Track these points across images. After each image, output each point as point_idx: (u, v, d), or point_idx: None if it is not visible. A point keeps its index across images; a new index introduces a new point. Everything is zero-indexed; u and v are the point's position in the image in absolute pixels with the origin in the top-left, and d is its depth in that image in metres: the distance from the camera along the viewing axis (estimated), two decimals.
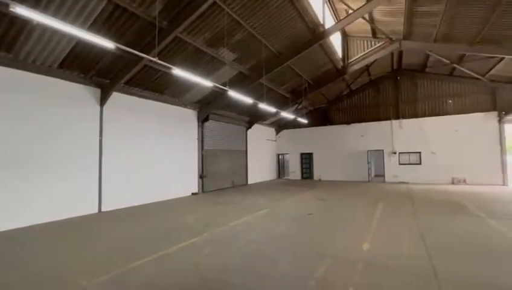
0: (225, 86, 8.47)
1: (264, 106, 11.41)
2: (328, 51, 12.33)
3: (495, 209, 8.01)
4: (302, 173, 20.43)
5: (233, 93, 8.98)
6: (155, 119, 10.70)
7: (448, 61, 13.54)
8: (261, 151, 18.76)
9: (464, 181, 14.73)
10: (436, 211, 8.00)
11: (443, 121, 15.55)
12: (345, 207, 9.05)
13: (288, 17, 9.20)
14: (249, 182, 16.77)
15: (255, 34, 9.12)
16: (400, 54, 14.68)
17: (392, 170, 16.93)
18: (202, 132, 13.10)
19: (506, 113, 13.85)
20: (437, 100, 15.95)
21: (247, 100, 10.03)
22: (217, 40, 8.83)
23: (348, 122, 18.56)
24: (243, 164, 16.59)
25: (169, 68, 6.49)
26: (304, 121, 16.86)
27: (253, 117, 16.64)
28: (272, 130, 20.73)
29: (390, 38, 12.42)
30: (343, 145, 18.53)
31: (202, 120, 12.99)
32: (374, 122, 17.69)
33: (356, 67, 14.19)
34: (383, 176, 17.44)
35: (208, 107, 12.83)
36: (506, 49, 10.62)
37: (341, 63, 14.07)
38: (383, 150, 17.32)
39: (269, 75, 11.54)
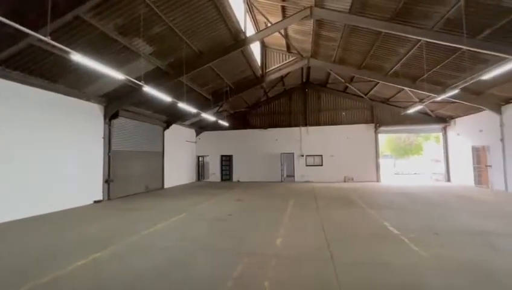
0: (140, 81, 7.70)
1: (183, 106, 10.96)
2: (248, 58, 12.94)
3: (372, 201, 10.16)
4: (222, 175, 20.61)
5: (149, 90, 8.27)
6: (46, 112, 8.68)
7: (343, 80, 16.41)
8: (180, 153, 17.92)
9: (353, 179, 18.07)
10: (333, 205, 9.52)
11: (339, 129, 18.69)
12: (261, 206, 9.64)
13: (211, 19, 9.18)
14: (166, 186, 15.72)
15: (175, 29, 8.69)
16: (308, 69, 16.85)
17: (300, 170, 19.15)
18: (110, 130, 11.47)
19: (380, 125, 17.86)
20: (335, 111, 19.06)
21: (165, 98, 9.42)
22: (131, 29, 7.95)
23: (265, 127, 19.90)
24: (159, 166, 15.43)
25: (67, 52, 5.42)
26: (225, 123, 17.10)
27: (172, 117, 15.74)
28: (192, 132, 20.13)
29: (301, 55, 14.11)
30: (260, 148, 19.73)
31: (110, 117, 11.39)
32: (286, 128, 19.59)
33: (273, 76, 15.43)
34: (293, 176, 19.51)
35: (118, 102, 11.36)
36: (379, 76, 13.70)
37: (260, 71, 15.00)
38: (293, 153, 19.38)
39: (190, 75, 11.19)
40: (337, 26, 10.63)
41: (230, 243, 5.37)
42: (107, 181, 11.16)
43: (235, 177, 20.03)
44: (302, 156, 19.18)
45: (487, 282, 3.59)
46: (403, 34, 9.13)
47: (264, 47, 15.36)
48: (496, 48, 8.22)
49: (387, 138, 33.99)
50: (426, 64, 10.84)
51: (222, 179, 20.45)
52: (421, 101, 13.71)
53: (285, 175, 21.59)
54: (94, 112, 10.80)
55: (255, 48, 14.16)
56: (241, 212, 8.48)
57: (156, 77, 10.53)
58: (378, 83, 14.71)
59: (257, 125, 20.20)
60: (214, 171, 20.55)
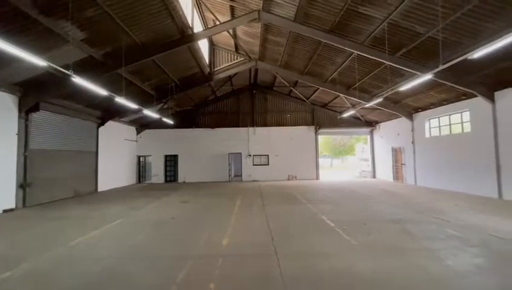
0: (68, 70, 6.73)
1: (122, 101, 10.02)
2: (196, 55, 12.57)
3: (312, 197, 11.00)
4: (166, 176, 19.54)
5: (80, 81, 7.31)
6: None
7: (288, 84, 17.32)
8: (118, 152, 16.29)
9: (296, 177, 19.23)
10: (278, 202, 9.97)
11: (283, 130, 19.66)
12: (208, 206, 9.48)
13: (155, 10, 8.62)
14: (100, 189, 14.10)
15: (113, 15, 7.85)
16: (256, 71, 17.26)
17: (248, 170, 19.49)
18: (27, 125, 9.72)
19: (320, 128, 19.46)
20: (280, 113, 19.98)
21: (100, 91, 8.46)
22: (56, 9, 6.88)
23: (212, 126, 19.62)
24: (92, 167, 13.75)
25: None
26: (170, 121, 16.24)
27: (108, 112, 14.20)
28: (132, 129, 18.53)
29: (249, 57, 14.37)
30: (207, 148, 19.37)
31: (28, 109, 9.66)
32: (234, 128, 19.69)
33: (221, 75, 15.33)
34: (241, 175, 19.73)
35: (39, 93, 9.71)
36: (320, 82, 14.90)
37: (208, 69, 14.73)
38: (241, 153, 19.60)
39: (131, 67, 10.30)
40: (283, 32, 11.18)
41: (174, 248, 5.14)
42: (22, 186, 9.44)
43: (180, 178, 19.20)
44: (250, 156, 19.54)
45: (403, 261, 4.25)
46: (339, 46, 10.14)
47: (212, 45, 15.14)
48: (408, 64, 9.81)
49: (325, 139, 37.20)
50: (358, 74, 12.24)
51: (166, 181, 19.38)
52: (353, 106, 15.41)
53: (232, 175, 21.68)
54: (4, 103, 9.01)
55: (203, 46, 13.85)
56: (187, 214, 8.20)
57: (89, 67, 9.35)
58: (319, 88, 15.99)
59: (205, 124, 19.78)
60: (157, 172, 19.33)
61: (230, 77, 16.95)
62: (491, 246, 4.81)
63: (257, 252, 4.76)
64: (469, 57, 6.21)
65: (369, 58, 10.41)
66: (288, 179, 19.19)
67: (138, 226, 6.86)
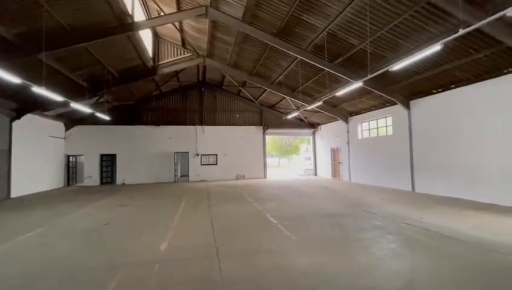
0: None
1: (42, 91, 8.59)
2: (137, 46, 11.61)
3: (258, 196, 11.26)
4: (102, 178, 17.63)
5: None
6: None
7: (237, 84, 17.37)
8: (40, 151, 13.97)
9: (244, 177, 19.44)
10: (224, 202, 9.91)
11: (233, 130, 19.67)
12: (149, 209, 8.86)
13: None
14: (15, 194, 11.88)
15: None
16: (205, 68, 16.86)
17: (195, 170, 18.91)
18: None
19: (267, 128, 20.07)
20: (229, 113, 19.92)
21: (12, 79, 7.09)
22: None
23: (157, 124, 18.44)
24: (2, 169, 11.50)
25: None
26: (106, 117, 14.66)
27: (26, 104, 12.07)
28: (60, 125, 16.14)
29: (197, 53, 13.94)
30: (151, 147, 18.13)
31: None
32: (181, 126, 18.88)
33: (166, 70, 14.50)
34: (188, 176, 19.04)
35: None
36: (267, 84, 15.35)
37: (151, 63, 13.76)
38: (188, 152, 18.90)
39: (55, 54, 8.94)
40: (232, 31, 11.15)
41: (104, 257, 4.64)
42: None
43: (119, 180, 17.53)
44: (198, 155, 19.00)
45: (335, 252, 4.64)
46: (285, 50, 10.60)
47: (156, 37, 14.20)
48: (344, 72, 10.83)
49: (272, 139, 38.61)
50: (301, 78, 12.99)
51: (102, 183, 17.48)
52: (297, 108, 16.31)
53: (179, 175, 20.77)
54: None
55: (147, 37, 12.88)
56: (123, 219, 7.51)
57: None
58: (266, 90, 16.46)
59: (148, 121, 18.45)
60: (91, 174, 17.27)
61: (176, 73, 16.19)
62: (403, 233, 5.63)
63: (198, 255, 4.63)
64: (390, 69, 7.14)
65: (311, 63, 11.13)
66: (237, 179, 19.28)
67: (62, 234, 5.99)
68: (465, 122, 9.19)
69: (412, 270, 3.88)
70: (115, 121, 16.80)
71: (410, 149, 11.58)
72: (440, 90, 10.10)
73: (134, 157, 17.76)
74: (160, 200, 10.65)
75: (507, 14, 4.26)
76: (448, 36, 5.39)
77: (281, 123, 20.22)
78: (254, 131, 20.10)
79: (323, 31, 9.06)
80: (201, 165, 19.11)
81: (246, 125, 20.03)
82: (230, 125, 19.78)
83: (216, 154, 19.40)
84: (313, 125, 20.94)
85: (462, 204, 8.38)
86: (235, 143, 19.55)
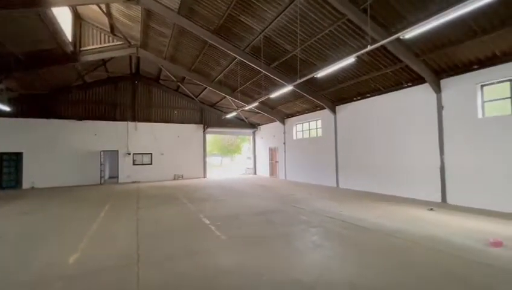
0: None
1: None
2: (50, 26, 9.88)
3: (194, 196, 10.91)
4: (2, 181, 14.49)
5: None
6: None
7: (175, 79, 16.52)
8: None
9: (182, 177, 18.63)
10: (155, 204, 9.27)
11: (170, 127, 18.63)
12: (61, 217, 7.64)
13: None
14: None
15: None
16: (138, 60, 15.50)
17: (126, 170, 17.24)
18: None
19: (208, 126, 19.67)
20: (167, 109, 18.80)
21: None
22: None
23: (79, 118, 16.13)
24: None
25: None
26: (5, 108, 12.06)
27: None
28: None
29: (129, 42, 12.71)
30: (72, 144, 15.78)
31: None
32: (110, 122, 16.97)
33: (91, 58, 12.79)
34: (117, 177, 17.22)
35: None
36: (207, 82, 15.04)
37: (71, 48, 11.93)
38: (118, 151, 17.11)
39: None
40: (168, 23, 10.53)
41: None
42: None
43: (27, 183, 14.69)
44: (129, 154, 17.36)
45: (264, 248, 4.79)
46: (224, 49, 10.54)
47: (78, 19, 12.38)
48: (279, 75, 11.38)
49: (214, 138, 38.14)
50: (240, 79, 13.14)
51: (3, 187, 14.38)
52: (237, 108, 16.46)
53: (106, 176, 18.70)
54: None
55: (65, 18, 11.09)
56: (24, 231, 6.28)
57: None
58: (207, 88, 16.11)
59: (68, 114, 15.97)
60: None
61: (104, 61, 14.45)
62: (324, 225, 6.20)
63: (114, 265, 4.17)
64: (316, 76, 7.79)
65: (249, 65, 11.35)
66: (174, 179, 18.36)
67: None
68: (377, 127, 10.71)
69: (328, 259, 4.29)
70: (21, 113, 14.06)
71: (336, 150, 12.91)
72: (359, 98, 11.54)
73: (48, 156, 15.15)
74: (77, 206, 9.32)
75: (401, 37, 5.08)
76: (362, 50, 6.17)
77: (222, 122, 20.09)
78: (194, 129, 19.46)
79: (260, 34, 9.33)
80: (134, 165, 17.54)
81: (185, 123, 19.22)
82: (168, 122, 18.69)
83: (151, 154, 18.07)
84: (254, 126, 21.46)
85: (374, 197, 9.75)
86: (173, 141, 18.58)
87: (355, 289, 3.28)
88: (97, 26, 12.73)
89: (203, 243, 5.12)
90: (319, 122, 14.47)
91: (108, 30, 12.71)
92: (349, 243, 4.97)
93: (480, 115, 7.59)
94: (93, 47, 12.82)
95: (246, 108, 14.70)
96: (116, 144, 17.02)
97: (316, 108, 14.18)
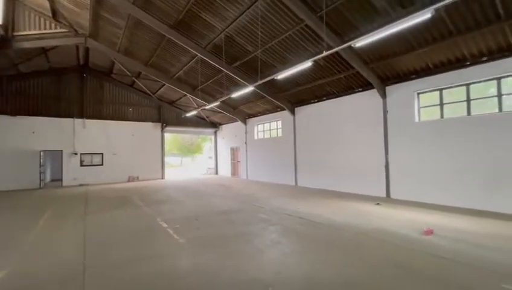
0: None
1: None
2: None
3: (151, 199, 10.35)
4: None
5: None
6: None
7: (129, 74, 15.45)
8: None
9: (137, 178, 17.51)
10: (106, 209, 8.55)
11: (124, 125, 17.36)
12: None
13: None
14: None
15: None
16: (87, 50, 14.12)
17: (73, 172, 15.59)
18: None
19: (166, 125, 18.80)
20: (120, 106, 17.47)
21: None
22: None
23: (11, 113, 14.08)
24: None
25: None
26: None
27: None
28: None
29: (75, 30, 11.51)
30: (3, 143, 13.70)
31: None
32: (53, 118, 15.16)
33: (28, 45, 11.25)
34: (61, 180, 15.47)
35: None
36: (166, 78, 14.39)
37: (1, 31, 10.34)
38: (62, 151, 15.38)
39: None
40: (121, 13, 9.79)
41: None
42: None
43: None
44: (76, 154, 15.72)
45: (223, 248, 4.75)
46: (183, 45, 10.18)
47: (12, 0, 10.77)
48: (240, 75, 11.41)
49: (174, 137, 36.67)
50: (201, 77, 12.85)
51: None
52: (198, 107, 16.06)
53: (48, 179, 16.71)
54: None
55: None
56: None
57: None
58: (165, 84, 15.39)
59: None
60: None
61: (44, 50, 12.83)
62: (282, 223, 6.40)
63: (56, 278, 3.74)
64: (276, 78, 8.00)
65: (211, 63, 11.16)
66: (129, 181, 17.17)
67: None
68: (332, 128, 11.42)
69: (286, 255, 4.43)
70: None
71: (294, 150, 13.43)
72: (316, 100, 12.16)
73: None
74: (9, 214, 8.13)
75: (353, 45, 5.49)
76: (319, 56, 6.51)
77: (182, 121, 19.39)
78: (151, 128, 18.43)
79: (221, 32, 9.24)
80: (81, 166, 15.94)
81: (141, 121, 18.08)
82: (122, 120, 17.38)
83: (102, 154, 16.62)
84: (215, 125, 21.16)
85: (329, 194, 10.38)
86: (127, 141, 17.35)
87: (310, 283, 3.45)
88: (36, 10, 11.25)
89: (160, 248, 4.88)
90: (279, 123, 14.87)
91: (50, 15, 11.32)
92: (305, 239, 5.21)
93: (416, 119, 8.60)
94: (31, 33, 11.29)
95: (207, 107, 14.43)
96: (59, 143, 15.28)
97: (276, 109, 14.55)
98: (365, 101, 9.98)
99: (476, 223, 5.96)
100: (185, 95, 16.16)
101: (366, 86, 9.78)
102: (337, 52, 7.75)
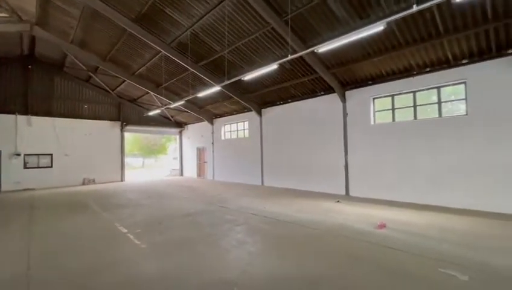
0: None
1: None
2: None
3: (109, 203, 9.66)
4: None
5: None
6: None
7: (85, 68, 14.25)
8: None
9: (94, 181, 16.20)
10: (56, 216, 7.77)
11: (78, 124, 15.93)
12: None
13: None
14: None
15: None
16: (33, 39, 12.66)
17: (15, 175, 13.84)
18: None
19: (127, 124, 17.70)
20: (74, 102, 16.00)
21: None
22: None
23: None
24: None
25: None
26: None
27: None
28: None
29: (19, 16, 10.26)
30: None
31: None
32: None
33: None
34: None
35: None
36: (127, 74, 13.58)
37: None
38: (0, 151, 13.57)
39: None
40: (76, 1, 8.99)
41: None
42: None
43: None
44: (19, 155, 13.99)
45: (186, 251, 4.63)
46: (146, 40, 9.71)
47: None
48: (207, 75, 11.25)
49: (135, 138, 34.69)
50: (166, 74, 12.37)
51: None
52: (163, 106, 15.43)
53: None
54: None
55: None
56: None
57: None
58: (125, 81, 14.50)
59: None
60: None
61: None
62: (249, 223, 6.46)
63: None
64: (243, 79, 8.06)
65: (176, 61, 10.81)
66: (84, 184, 15.80)
67: None
68: (296, 130, 11.83)
69: (251, 254, 4.48)
70: None
71: (261, 150, 13.63)
72: (282, 102, 12.50)
73: None
74: None
75: (316, 51, 5.77)
76: (284, 59, 6.72)
77: (144, 120, 18.41)
78: (109, 126, 17.19)
79: (187, 30, 9.01)
80: (26, 168, 14.24)
81: (98, 119, 16.76)
82: (75, 118, 15.92)
83: (51, 155, 15.04)
84: (180, 125, 20.50)
85: (294, 193, 10.73)
86: (82, 140, 15.95)
87: (274, 279, 3.54)
88: None
89: (119, 255, 4.59)
90: (247, 124, 14.96)
91: None
92: (270, 237, 5.33)
93: (372, 122, 9.33)
94: None
95: (172, 106, 13.94)
96: None
97: (243, 110, 14.61)
98: (327, 105, 10.53)
99: (422, 217, 6.67)
100: (148, 92, 15.41)
101: (328, 90, 10.33)
102: (301, 57, 8.08)
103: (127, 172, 18.34)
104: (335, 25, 7.23)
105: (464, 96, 7.42)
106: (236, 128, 15.88)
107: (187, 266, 4.05)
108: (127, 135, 18.59)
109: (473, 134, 7.14)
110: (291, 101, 12.02)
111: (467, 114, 7.31)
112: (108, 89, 16.40)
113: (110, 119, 17.25)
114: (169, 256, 4.47)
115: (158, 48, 10.05)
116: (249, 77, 7.70)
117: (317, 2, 6.63)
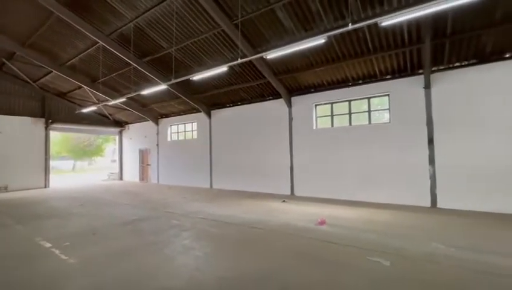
0: None
1: None
2: None
3: (26, 213, 8.22)
4: None
5: None
6: None
7: None
8: None
9: (5, 189, 13.55)
10: None
11: None
12: None
13: None
14: None
15: None
16: None
17: None
18: None
19: (53, 122, 15.35)
20: None
21: None
22: None
23: None
24: None
25: None
26: None
27: None
28: None
29: None
30: None
31: None
32: None
33: None
34: None
35: None
36: (54, 64, 11.83)
37: None
38: None
39: None
40: None
41: None
42: None
43: None
44: None
45: (127, 262, 4.24)
46: (80, 28, 8.63)
47: None
48: (152, 72, 10.61)
49: (64, 137, 30.33)
50: (104, 68, 11.20)
51: None
52: (100, 102, 13.89)
53: None
54: None
55: None
56: None
57: None
58: (52, 71, 12.59)
59: None
60: None
61: None
62: (196, 227, 6.28)
63: None
64: (192, 78, 7.84)
65: (116, 54, 9.88)
66: None
67: None
68: (245, 132, 12.01)
69: (198, 259, 4.36)
70: None
71: (210, 152, 13.41)
72: (231, 104, 12.54)
73: None
74: None
75: (264, 57, 5.98)
76: (234, 62, 6.77)
77: (76, 117, 16.20)
78: (29, 124, 14.63)
79: (130, 22, 8.34)
80: None
81: (13, 114, 14.12)
82: None
83: None
84: (120, 124, 18.73)
85: (242, 195, 10.84)
86: None
87: (222, 282, 3.52)
88: None
89: (38, 275, 3.94)
90: (195, 125, 14.54)
91: None
92: (218, 240, 5.27)
93: (314, 127, 10.10)
94: None
95: (111, 103, 12.66)
96: None
97: (192, 110, 14.17)
98: (274, 109, 10.99)
99: (354, 212, 7.47)
100: (81, 87, 13.66)
101: (275, 95, 10.78)
102: (251, 61, 8.27)
103: (53, 177, 15.89)
104: (282, 34, 7.62)
105: (387, 107, 8.64)
106: (184, 129, 15.29)
107: (126, 278, 3.72)
108: (53, 134, 16.11)
109: (394, 139, 8.35)
110: (241, 104, 12.17)
111: (390, 122, 8.52)
112: (28, 80, 13.98)
113: (31, 115, 14.72)
114: (103, 270, 4.03)
115: (95, 38, 9.03)
116: (198, 77, 7.53)
117: (265, 10, 6.89)
